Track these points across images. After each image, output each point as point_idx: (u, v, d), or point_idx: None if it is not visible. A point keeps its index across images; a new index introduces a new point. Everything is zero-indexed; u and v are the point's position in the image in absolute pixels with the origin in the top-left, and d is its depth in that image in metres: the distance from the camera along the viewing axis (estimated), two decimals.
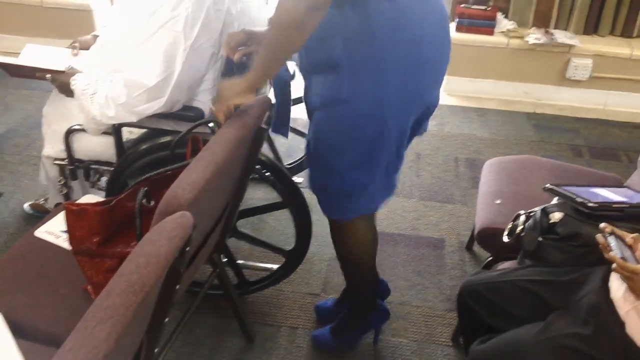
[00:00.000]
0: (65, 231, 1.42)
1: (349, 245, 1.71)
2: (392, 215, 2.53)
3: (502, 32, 3.57)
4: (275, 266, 2.02)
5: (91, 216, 1.34)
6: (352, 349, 1.89)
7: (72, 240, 1.39)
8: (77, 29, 2.98)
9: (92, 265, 1.39)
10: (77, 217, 1.35)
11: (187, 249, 1.11)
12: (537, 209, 1.50)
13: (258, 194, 2.49)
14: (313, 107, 1.50)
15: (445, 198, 2.67)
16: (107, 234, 1.40)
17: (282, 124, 1.71)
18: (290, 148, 2.82)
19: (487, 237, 1.78)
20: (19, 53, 2.03)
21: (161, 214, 1.11)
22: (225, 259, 1.96)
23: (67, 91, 1.80)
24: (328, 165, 1.52)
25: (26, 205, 2.40)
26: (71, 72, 1.81)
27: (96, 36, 2.07)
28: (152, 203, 1.36)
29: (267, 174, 1.77)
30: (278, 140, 2.44)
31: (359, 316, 1.85)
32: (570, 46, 3.46)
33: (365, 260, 1.76)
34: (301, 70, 1.55)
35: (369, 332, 1.90)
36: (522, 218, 1.53)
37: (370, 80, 1.38)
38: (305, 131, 1.59)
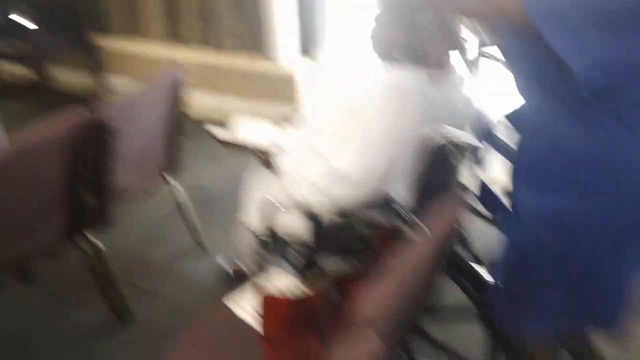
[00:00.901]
0: (255, 312, 1.49)
1: None
2: None
3: None
4: None
5: (284, 310, 1.39)
6: None
7: (262, 327, 1.45)
8: (279, 96, 3.04)
9: (277, 356, 1.42)
10: (270, 308, 1.41)
11: None
12: None
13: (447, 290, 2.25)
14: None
15: None
16: (295, 326, 1.43)
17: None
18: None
19: None
20: (226, 111, 2.19)
21: (346, 328, 1.09)
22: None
23: (270, 166, 1.89)
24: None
25: (224, 263, 2.55)
26: (276, 150, 1.90)
27: (302, 115, 2.16)
28: (340, 299, 1.36)
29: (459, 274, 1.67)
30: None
31: None
32: None
33: None
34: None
35: None
36: None
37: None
38: None
